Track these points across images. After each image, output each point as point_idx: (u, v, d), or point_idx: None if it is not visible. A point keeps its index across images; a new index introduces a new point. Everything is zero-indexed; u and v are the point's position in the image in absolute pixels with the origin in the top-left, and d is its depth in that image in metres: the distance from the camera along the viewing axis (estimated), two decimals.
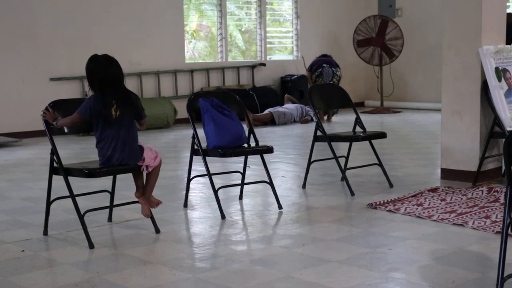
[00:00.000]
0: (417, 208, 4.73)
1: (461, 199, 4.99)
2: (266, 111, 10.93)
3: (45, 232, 4.28)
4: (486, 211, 4.59)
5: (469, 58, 5.59)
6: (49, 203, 4.27)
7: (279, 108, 11.00)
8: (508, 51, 5.60)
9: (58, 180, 4.25)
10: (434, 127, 9.41)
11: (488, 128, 5.62)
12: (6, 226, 4.58)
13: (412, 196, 5.10)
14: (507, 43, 5.79)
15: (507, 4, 7.42)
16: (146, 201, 4.27)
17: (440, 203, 4.86)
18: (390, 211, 4.71)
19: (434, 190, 5.29)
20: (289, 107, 11.11)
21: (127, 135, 4.11)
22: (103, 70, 4.08)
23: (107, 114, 4.04)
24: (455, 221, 4.37)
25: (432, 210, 4.67)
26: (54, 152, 4.14)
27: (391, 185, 5.56)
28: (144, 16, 10.80)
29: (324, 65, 11.01)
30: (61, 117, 4.18)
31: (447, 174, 5.81)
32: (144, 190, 4.29)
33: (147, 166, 4.20)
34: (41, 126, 4.28)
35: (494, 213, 4.51)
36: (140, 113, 4.22)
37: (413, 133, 9.37)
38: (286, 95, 11.63)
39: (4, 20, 9.49)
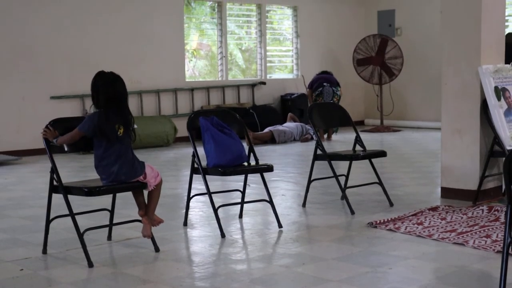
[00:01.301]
0: (417, 227, 4.72)
1: (462, 218, 4.98)
2: (266, 130, 10.94)
3: (44, 251, 4.27)
4: (486, 230, 4.58)
5: (469, 77, 5.61)
6: (48, 221, 4.26)
7: (279, 127, 11.01)
8: (507, 70, 5.63)
9: (58, 198, 4.25)
10: (434, 145, 9.41)
11: (488, 147, 5.62)
12: (5, 245, 4.56)
13: (412, 215, 5.09)
14: (506, 62, 5.81)
15: (506, 24, 7.45)
16: (149, 221, 4.26)
17: (441, 222, 4.85)
18: (390, 230, 4.70)
19: (434, 209, 5.28)
20: (289, 126, 11.13)
21: (129, 152, 4.14)
22: (110, 87, 4.10)
23: (112, 132, 4.05)
24: (456, 240, 4.35)
25: (433, 229, 4.66)
26: (54, 170, 4.14)
27: (391, 204, 5.56)
28: (144, 35, 10.85)
29: (324, 84, 11.04)
30: (59, 136, 4.18)
31: (447, 193, 5.80)
32: (146, 209, 4.28)
33: (150, 184, 4.20)
34: (41, 144, 4.28)
35: (494, 232, 4.50)
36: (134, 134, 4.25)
37: (413, 151, 9.37)
38: (289, 113, 11.66)
39: (5, 38, 9.52)
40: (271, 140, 10.78)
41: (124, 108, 4.16)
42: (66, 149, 4.32)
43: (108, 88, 4.09)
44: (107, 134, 4.06)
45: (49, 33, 9.90)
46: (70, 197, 4.12)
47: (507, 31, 9.30)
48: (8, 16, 9.55)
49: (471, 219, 4.95)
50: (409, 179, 6.96)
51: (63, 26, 10.02)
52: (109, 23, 10.49)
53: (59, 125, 4.24)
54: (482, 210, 5.15)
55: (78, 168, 8.10)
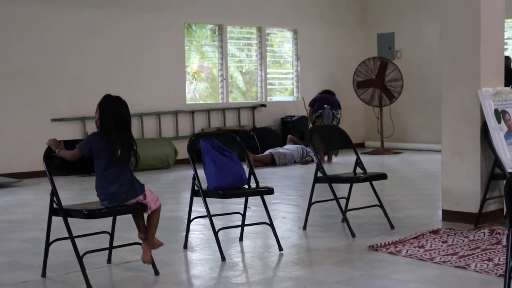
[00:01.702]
0: (418, 250, 4.70)
1: (463, 241, 4.96)
2: (267, 152, 10.94)
3: (44, 274, 4.25)
4: (488, 253, 4.56)
5: (469, 100, 5.62)
6: (48, 244, 4.24)
7: (279, 149, 11.02)
8: (507, 93, 5.64)
9: (58, 221, 4.24)
10: (434, 168, 9.40)
11: (488, 170, 5.62)
12: (5, 268, 4.54)
13: (413, 238, 5.07)
14: (506, 85, 5.83)
15: (505, 47, 7.49)
16: (148, 246, 4.24)
17: (442, 245, 4.83)
18: (391, 253, 4.68)
19: (435, 232, 5.26)
20: (289, 148, 11.13)
21: (127, 172, 4.16)
22: (116, 110, 4.16)
23: (111, 152, 4.07)
24: (457, 264, 4.33)
25: (434, 252, 4.64)
26: (54, 193, 4.14)
27: (392, 227, 5.54)
28: (146, 57, 10.89)
29: (325, 106, 11.05)
30: (64, 148, 4.20)
31: (448, 215, 5.78)
32: (146, 234, 4.27)
33: (150, 206, 4.19)
34: (41, 167, 4.28)
35: (496, 256, 4.48)
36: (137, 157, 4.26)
37: (414, 174, 9.36)
38: (289, 135, 11.67)
39: (6, 60, 9.56)
40: (271, 162, 10.77)
41: (126, 131, 4.19)
42: (66, 171, 4.34)
43: (114, 112, 4.15)
44: (105, 154, 4.08)
45: (50, 56, 9.94)
46: (70, 219, 4.11)
47: (506, 54, 9.34)
48: (8, 40, 9.60)
49: (472, 242, 4.93)
50: (410, 202, 6.95)
51: (63, 49, 10.07)
52: (110, 45, 10.54)
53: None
54: (484, 233, 5.13)
55: (78, 191, 8.08)
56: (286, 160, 10.84)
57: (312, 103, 11.28)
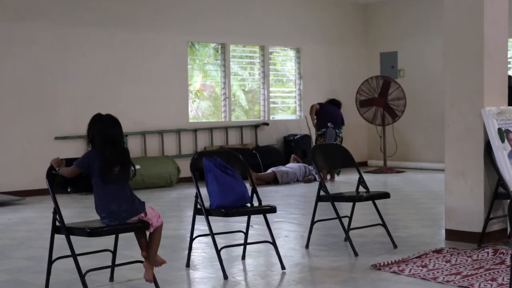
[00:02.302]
0: (421, 270, 4.68)
1: (467, 260, 4.94)
2: (269, 171, 10.94)
3: None
4: (492, 273, 4.54)
5: (472, 119, 5.63)
6: (50, 262, 4.23)
7: (282, 168, 11.01)
8: (510, 112, 5.65)
9: (60, 239, 4.23)
10: (437, 187, 9.38)
11: (492, 189, 5.60)
12: (8, 286, 4.53)
13: (416, 257, 5.05)
14: (509, 104, 5.84)
15: (508, 66, 7.50)
16: (150, 265, 4.23)
17: (445, 265, 4.81)
18: (394, 272, 4.66)
19: (438, 251, 5.24)
20: (292, 167, 11.12)
21: (127, 190, 4.16)
22: (105, 130, 4.16)
23: (107, 170, 4.08)
24: (461, 284, 4.31)
25: (437, 272, 4.62)
26: (56, 211, 4.14)
27: (395, 246, 5.52)
28: (148, 76, 10.93)
29: (329, 124, 11.04)
30: (64, 166, 4.22)
31: (451, 235, 5.76)
32: (148, 253, 4.26)
33: (151, 223, 4.19)
34: (44, 185, 4.28)
35: (500, 276, 4.46)
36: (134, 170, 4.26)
37: (417, 193, 9.35)
38: (292, 155, 11.67)
39: (10, 78, 9.60)
40: (274, 180, 10.77)
41: (119, 148, 4.18)
42: (69, 189, 4.35)
43: (103, 131, 4.16)
44: (101, 172, 4.09)
45: (54, 74, 9.97)
46: (72, 237, 4.11)
47: (509, 73, 9.36)
48: (12, 58, 9.64)
49: (476, 262, 4.90)
50: (413, 221, 6.93)
51: (67, 67, 10.11)
52: (113, 63, 10.58)
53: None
54: (487, 252, 5.11)
55: (81, 209, 8.07)
56: (288, 178, 10.83)
57: (318, 112, 11.19)
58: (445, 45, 5.90)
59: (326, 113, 11.19)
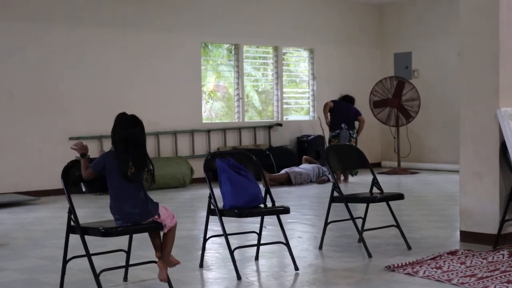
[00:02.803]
0: (436, 272, 4.66)
1: (482, 262, 4.91)
2: (283, 171, 10.93)
3: None
4: (507, 275, 4.50)
5: (487, 120, 5.59)
6: (65, 262, 4.25)
7: (295, 168, 11.00)
8: None
9: (75, 238, 4.25)
10: (452, 188, 9.34)
11: (507, 190, 5.56)
12: (23, 285, 4.56)
13: (431, 259, 5.02)
14: None
15: None
16: (164, 264, 4.23)
17: (460, 267, 4.78)
18: (408, 274, 4.64)
19: (453, 253, 5.21)
20: (305, 167, 11.11)
21: (141, 193, 4.15)
22: (127, 129, 4.15)
23: (122, 171, 4.08)
24: (476, 286, 4.28)
25: (452, 274, 4.59)
26: (71, 211, 4.16)
27: (409, 247, 5.49)
28: (162, 77, 10.96)
29: (342, 125, 10.98)
30: (88, 157, 4.22)
31: (466, 236, 5.73)
32: (162, 252, 4.26)
33: (165, 224, 4.19)
34: (60, 185, 4.30)
35: None
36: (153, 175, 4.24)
37: (431, 194, 9.30)
38: (304, 156, 11.64)
39: (25, 80, 9.66)
40: (287, 181, 10.76)
41: (139, 150, 4.18)
42: (83, 189, 4.37)
43: (125, 131, 4.14)
44: (117, 173, 4.09)
45: (68, 74, 10.03)
46: (87, 237, 4.12)
47: None
48: (28, 58, 9.70)
49: (491, 264, 4.87)
50: (427, 222, 6.90)
51: (82, 69, 10.16)
52: (127, 65, 10.62)
53: (78, 167, 4.27)
54: (503, 255, 5.08)
55: (95, 209, 8.11)
56: (302, 179, 10.82)
57: (332, 111, 11.12)
58: (460, 46, 5.86)
59: (340, 113, 11.09)
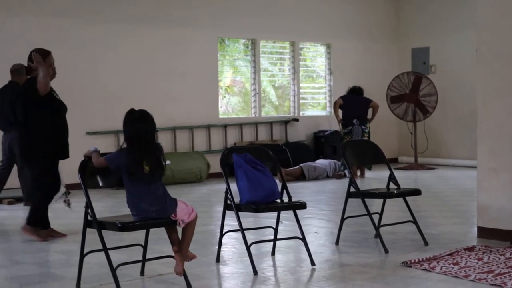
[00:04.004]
0: (453, 267, 4.63)
1: (499, 258, 4.88)
2: (297, 166, 10.92)
3: (78, 285, 4.29)
4: None
5: (504, 116, 5.55)
6: (82, 256, 4.28)
7: (310, 163, 11.00)
8: None
9: (92, 233, 4.28)
10: (469, 184, 9.28)
11: None
12: (40, 279, 4.60)
13: (448, 255, 5.00)
14: None
15: None
16: (181, 258, 4.24)
17: (477, 263, 4.76)
18: (425, 269, 4.62)
19: (470, 249, 5.19)
20: (321, 162, 11.11)
21: (159, 189, 4.15)
22: (135, 126, 4.16)
23: (138, 169, 4.09)
24: (493, 282, 4.26)
25: (469, 270, 4.57)
26: (88, 205, 4.18)
27: (426, 243, 5.47)
28: (179, 72, 10.99)
29: (354, 121, 10.94)
30: (98, 151, 4.26)
31: (483, 232, 5.69)
32: (180, 246, 4.28)
33: (181, 221, 4.20)
34: (76, 179, 4.33)
35: None
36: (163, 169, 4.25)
37: (448, 190, 9.25)
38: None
39: None
40: (301, 176, 10.75)
41: (149, 146, 4.19)
42: (100, 184, 4.39)
43: (133, 127, 4.16)
44: (131, 171, 4.10)
45: (84, 70, 10.08)
46: (103, 232, 4.15)
47: None
48: None
49: (509, 260, 4.84)
50: (444, 218, 6.86)
51: (98, 63, 10.21)
52: (144, 59, 10.66)
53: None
54: None
55: (112, 204, 8.15)
56: (316, 173, 10.80)
57: (342, 107, 11.06)
58: (478, 41, 5.81)
59: (351, 107, 11.02)
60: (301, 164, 10.94)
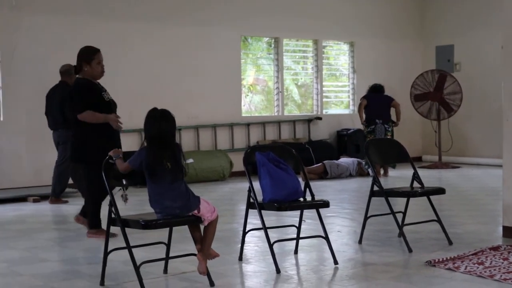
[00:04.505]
0: (478, 267, 4.59)
1: None
2: (320, 164, 10.91)
3: (102, 283, 4.32)
4: None
5: None
6: (106, 253, 4.31)
7: (333, 161, 10.98)
8: None
9: (116, 231, 4.30)
10: (495, 183, 9.19)
11: None
12: (65, 276, 4.64)
13: (472, 254, 4.95)
14: None
15: None
16: (204, 257, 4.26)
17: (503, 263, 4.71)
18: (449, 269, 4.58)
19: (495, 248, 5.13)
20: (345, 161, 11.08)
21: (182, 186, 4.17)
22: (156, 125, 4.18)
23: (159, 167, 4.11)
24: None
25: (494, 270, 4.52)
26: (112, 203, 4.21)
27: (450, 242, 5.43)
28: (202, 70, 11.01)
29: (377, 121, 10.89)
30: (121, 157, 4.30)
31: (509, 232, 5.63)
32: (202, 245, 4.29)
33: (205, 218, 4.21)
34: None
35: None
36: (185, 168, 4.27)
37: (473, 189, 9.17)
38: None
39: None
40: (324, 173, 10.73)
41: (169, 144, 4.20)
42: (124, 182, 4.42)
43: (154, 127, 4.18)
44: (153, 168, 4.12)
45: (108, 68, 10.07)
46: (127, 230, 4.17)
47: None
48: (66, 52, 9.81)
49: None
50: (469, 217, 6.80)
51: (120, 62, 10.26)
52: (167, 58, 10.70)
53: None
54: None
55: (136, 202, 8.18)
56: (338, 171, 10.77)
57: (365, 98, 11.08)
58: (504, 38, 5.75)
59: (374, 106, 10.98)
60: (324, 161, 10.91)
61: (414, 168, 5.71)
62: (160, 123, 4.19)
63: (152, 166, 4.14)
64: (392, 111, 11.11)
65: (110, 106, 6.11)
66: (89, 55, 6.13)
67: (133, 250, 4.17)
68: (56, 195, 8.43)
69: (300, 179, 4.97)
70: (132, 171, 4.30)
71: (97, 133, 5.92)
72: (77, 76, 6.25)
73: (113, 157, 4.32)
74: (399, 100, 11.33)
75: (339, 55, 13.30)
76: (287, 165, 4.81)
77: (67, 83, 8.29)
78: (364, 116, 11.01)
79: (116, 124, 5.97)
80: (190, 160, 4.39)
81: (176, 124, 4.34)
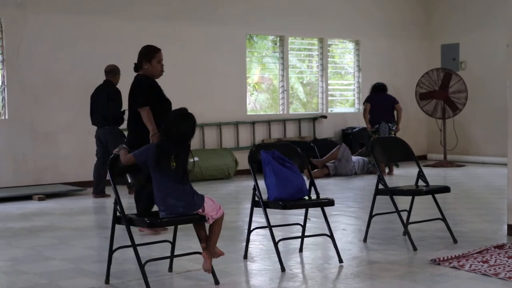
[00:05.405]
0: (482, 265, 4.59)
1: None
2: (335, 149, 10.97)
3: (107, 281, 4.33)
4: None
5: None
6: (111, 252, 4.32)
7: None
8: None
9: (121, 229, 4.32)
10: (500, 181, 9.18)
11: None
12: (70, 274, 4.65)
13: (477, 253, 4.95)
14: None
15: None
16: (209, 255, 4.26)
17: (507, 261, 4.70)
18: (454, 267, 4.58)
19: (500, 246, 5.13)
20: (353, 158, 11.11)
21: (186, 185, 4.18)
22: (176, 126, 4.19)
23: (165, 165, 4.12)
24: None
25: (499, 268, 4.52)
26: (117, 201, 4.22)
27: (455, 241, 5.42)
28: (207, 68, 11.02)
29: (381, 120, 10.91)
30: (126, 148, 4.28)
31: None
32: (207, 243, 4.30)
33: (210, 217, 4.22)
34: (106, 176, 4.37)
35: None
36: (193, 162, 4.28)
37: (478, 187, 9.16)
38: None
39: (75, 72, 9.83)
40: (337, 159, 10.82)
41: (184, 144, 4.21)
42: (129, 181, 4.43)
43: (174, 127, 4.18)
44: (159, 165, 4.13)
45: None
46: (132, 228, 4.18)
47: None
48: (77, 51, 9.87)
49: None
50: (474, 216, 6.80)
51: (128, 60, 10.26)
52: (173, 56, 10.69)
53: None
54: None
55: None
56: (349, 160, 10.78)
57: (368, 99, 11.12)
58: (509, 36, 5.74)
59: (377, 107, 11.01)
60: (341, 144, 10.99)
61: (419, 167, 5.71)
62: (181, 124, 4.20)
63: (158, 159, 4.12)
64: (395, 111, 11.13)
65: (169, 104, 6.10)
66: (150, 53, 6.16)
67: (138, 248, 4.18)
68: (100, 190, 8.53)
69: (305, 178, 4.97)
70: (135, 167, 4.28)
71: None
72: (137, 73, 6.28)
73: (117, 149, 4.33)
74: (404, 99, 11.33)
75: (344, 53, 13.28)
76: (292, 164, 4.81)
77: (111, 82, 8.64)
78: (368, 117, 11.03)
79: (154, 141, 5.84)
80: (196, 159, 4.39)
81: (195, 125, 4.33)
